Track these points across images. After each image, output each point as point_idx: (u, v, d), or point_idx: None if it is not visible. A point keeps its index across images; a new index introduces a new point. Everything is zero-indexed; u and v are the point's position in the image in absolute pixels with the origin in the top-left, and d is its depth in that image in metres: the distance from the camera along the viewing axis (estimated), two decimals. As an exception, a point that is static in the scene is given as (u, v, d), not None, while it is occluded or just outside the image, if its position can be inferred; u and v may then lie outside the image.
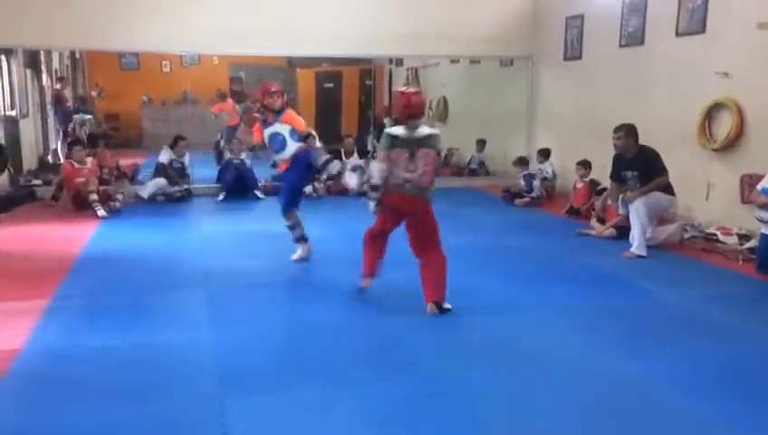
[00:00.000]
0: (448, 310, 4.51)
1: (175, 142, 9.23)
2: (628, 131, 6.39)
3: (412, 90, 4.88)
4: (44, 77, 12.42)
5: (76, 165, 8.29)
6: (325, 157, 5.88)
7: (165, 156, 9.13)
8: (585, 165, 8.28)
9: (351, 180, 5.60)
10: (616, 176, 6.62)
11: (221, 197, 9.19)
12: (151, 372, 3.58)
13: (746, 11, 6.65)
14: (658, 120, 7.54)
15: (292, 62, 16.40)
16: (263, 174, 9.85)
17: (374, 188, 4.60)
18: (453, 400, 3.30)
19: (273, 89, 5.85)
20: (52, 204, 8.50)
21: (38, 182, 9.47)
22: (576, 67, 9.56)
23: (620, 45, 8.51)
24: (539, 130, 10.58)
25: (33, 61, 11.51)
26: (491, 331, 4.26)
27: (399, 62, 15.33)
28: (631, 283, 5.40)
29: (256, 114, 6.52)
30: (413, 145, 4.54)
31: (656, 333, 4.29)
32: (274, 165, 5.96)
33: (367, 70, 16.51)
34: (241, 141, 9.17)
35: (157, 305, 4.75)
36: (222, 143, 11.24)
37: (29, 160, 10.72)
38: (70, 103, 13.02)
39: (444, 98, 13.22)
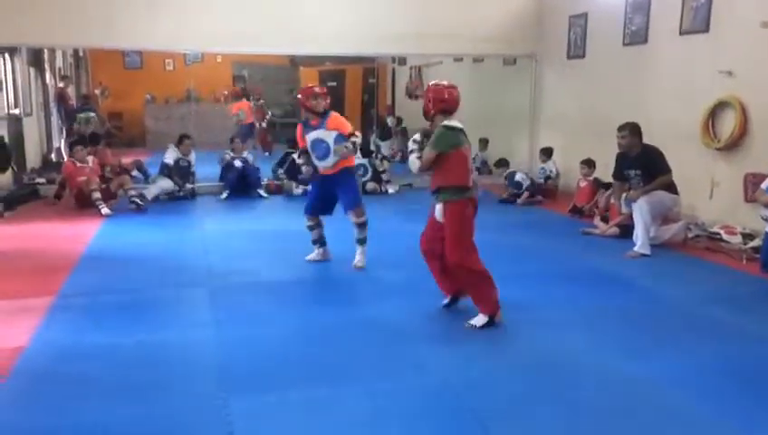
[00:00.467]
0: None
1: (180, 141, 9.22)
2: (632, 130, 6.38)
3: (446, 83, 4.38)
4: (48, 76, 12.44)
5: (78, 164, 8.32)
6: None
7: (171, 155, 9.09)
8: (589, 164, 8.27)
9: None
10: (619, 175, 6.61)
11: (224, 195, 9.19)
12: (155, 371, 3.59)
13: (750, 10, 6.63)
14: (662, 119, 7.53)
15: (295, 61, 16.41)
16: (266, 172, 9.87)
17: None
18: (455, 399, 3.30)
19: (317, 90, 5.43)
20: (55, 202, 8.52)
21: (41, 181, 9.49)
22: (579, 66, 9.55)
23: (624, 44, 8.50)
24: (542, 129, 10.57)
25: (36, 59, 11.54)
26: (496, 331, 4.25)
27: (402, 60, 15.34)
28: (635, 282, 5.39)
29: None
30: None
31: (659, 332, 4.28)
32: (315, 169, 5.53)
33: (370, 68, 16.52)
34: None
35: (160, 304, 4.75)
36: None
37: (32, 159, 10.74)
38: (73, 102, 13.04)
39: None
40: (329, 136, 5.37)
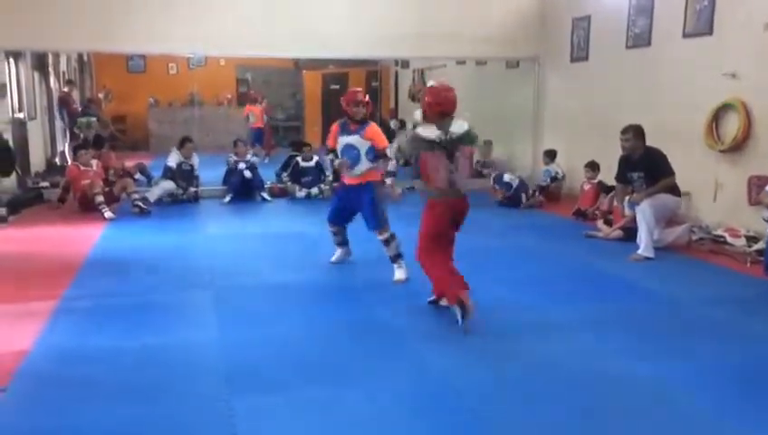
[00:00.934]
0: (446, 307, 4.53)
1: (182, 144, 9.24)
2: (635, 133, 6.37)
3: (444, 85, 4.47)
4: (52, 80, 12.48)
5: (82, 168, 8.34)
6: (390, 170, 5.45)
7: (174, 159, 9.13)
8: (593, 167, 8.27)
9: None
10: (622, 177, 6.60)
11: (227, 199, 9.20)
12: (158, 373, 3.59)
13: (753, 12, 6.62)
14: (665, 122, 7.51)
15: (299, 64, 16.46)
16: (269, 176, 9.88)
17: None
18: (458, 400, 3.30)
19: (360, 97, 5.42)
20: (59, 206, 8.54)
21: (46, 184, 9.52)
22: (582, 68, 9.55)
23: (627, 46, 8.49)
24: (546, 132, 10.56)
25: (40, 63, 11.57)
26: (497, 332, 4.25)
27: (406, 63, 15.35)
28: (638, 285, 5.37)
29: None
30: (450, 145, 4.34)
31: (663, 335, 4.27)
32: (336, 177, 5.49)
33: (373, 71, 16.56)
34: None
35: (164, 306, 4.76)
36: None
37: (37, 163, 10.77)
38: (76, 106, 13.08)
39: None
40: (363, 145, 5.34)
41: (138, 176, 9.89)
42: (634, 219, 6.43)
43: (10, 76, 9.71)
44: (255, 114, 14.13)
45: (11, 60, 9.76)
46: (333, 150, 5.56)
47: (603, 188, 7.99)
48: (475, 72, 12.04)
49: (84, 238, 6.82)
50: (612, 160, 6.95)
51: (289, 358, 3.83)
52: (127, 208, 8.27)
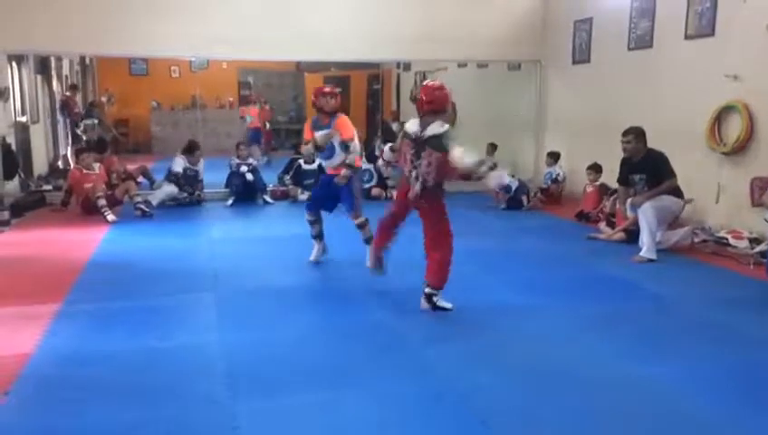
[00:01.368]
0: (444, 308, 4.55)
1: (189, 149, 9.20)
2: (637, 135, 6.37)
3: (436, 84, 4.75)
4: (55, 83, 12.51)
5: (84, 171, 8.35)
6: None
7: (180, 164, 9.05)
8: (596, 169, 8.26)
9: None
10: (623, 179, 6.59)
11: (230, 201, 9.21)
12: (161, 375, 3.60)
13: (756, 13, 6.61)
14: (667, 124, 7.50)
15: (301, 67, 16.48)
16: (271, 179, 9.89)
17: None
18: (462, 402, 3.29)
19: (326, 90, 5.74)
20: (61, 209, 8.55)
21: (48, 187, 9.54)
22: (585, 71, 9.55)
23: (629, 48, 8.49)
24: (548, 134, 10.55)
25: (43, 67, 11.60)
26: (501, 333, 4.25)
27: (407, 66, 15.36)
28: (641, 286, 5.37)
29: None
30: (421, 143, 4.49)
31: (666, 337, 4.27)
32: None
33: (375, 74, 16.57)
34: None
35: (166, 309, 4.76)
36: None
37: (39, 166, 10.79)
38: (79, 109, 13.10)
39: (452, 102, 13.18)
40: (336, 137, 5.60)
41: (140, 179, 9.89)
42: (636, 222, 6.42)
43: (13, 79, 9.73)
44: (252, 115, 14.12)
45: (14, 63, 9.79)
46: (312, 139, 5.72)
47: (606, 191, 7.99)
48: (477, 74, 12.04)
49: (87, 241, 6.83)
50: (614, 163, 6.94)
51: (291, 360, 3.83)
52: (129, 211, 8.28)
